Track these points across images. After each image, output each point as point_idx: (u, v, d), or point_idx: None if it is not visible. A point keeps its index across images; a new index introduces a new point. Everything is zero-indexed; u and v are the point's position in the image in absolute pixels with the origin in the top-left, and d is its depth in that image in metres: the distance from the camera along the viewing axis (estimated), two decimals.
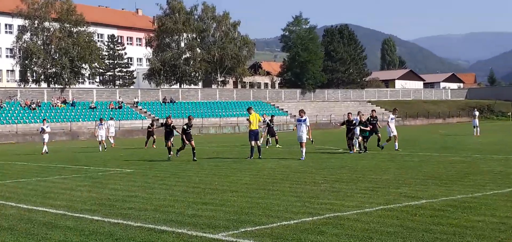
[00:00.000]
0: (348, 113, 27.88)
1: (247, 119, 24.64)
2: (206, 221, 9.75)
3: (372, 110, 28.68)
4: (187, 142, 24.07)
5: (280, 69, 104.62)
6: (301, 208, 10.83)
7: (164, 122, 27.20)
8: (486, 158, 21.36)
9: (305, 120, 22.88)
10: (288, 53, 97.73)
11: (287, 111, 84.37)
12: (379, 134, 27.28)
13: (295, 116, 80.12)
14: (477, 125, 44.32)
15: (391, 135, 27.24)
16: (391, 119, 27.70)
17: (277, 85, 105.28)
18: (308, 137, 23.26)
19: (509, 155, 22.58)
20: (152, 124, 40.15)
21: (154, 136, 38.78)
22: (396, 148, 26.78)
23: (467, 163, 19.80)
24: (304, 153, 22.62)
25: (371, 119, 27.40)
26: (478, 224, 8.94)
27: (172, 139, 26.14)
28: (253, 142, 24.00)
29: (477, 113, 47.14)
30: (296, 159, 22.61)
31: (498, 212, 9.92)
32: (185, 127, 24.53)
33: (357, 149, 26.45)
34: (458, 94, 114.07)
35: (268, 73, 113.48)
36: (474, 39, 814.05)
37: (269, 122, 32.82)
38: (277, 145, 30.36)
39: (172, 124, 26.74)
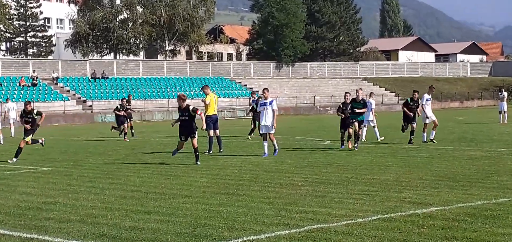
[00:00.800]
0: (345, 93, 27.38)
1: (203, 101, 24.69)
2: (149, 236, 9.74)
3: (414, 91, 28.65)
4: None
5: (248, 36, 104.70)
6: (274, 218, 10.92)
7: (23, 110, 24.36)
8: None
9: (271, 102, 22.80)
10: (259, 14, 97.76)
11: (257, 91, 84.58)
12: (415, 125, 27.20)
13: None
14: (505, 109, 45.04)
15: (427, 122, 27.55)
16: (427, 100, 27.87)
17: (244, 57, 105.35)
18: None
19: None
20: (122, 106, 36.35)
21: (129, 122, 35.80)
22: (432, 139, 27.16)
23: (491, 159, 20.16)
24: (276, 145, 22.60)
25: (412, 104, 27.50)
26: (504, 238, 9.16)
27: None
28: (211, 132, 24.10)
29: (505, 94, 47.81)
30: (270, 155, 22.73)
31: None
32: (119, 107, 25.73)
33: (363, 139, 27.74)
34: (480, 70, 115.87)
35: (232, 41, 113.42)
36: None
37: (254, 105, 32.22)
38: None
39: (34, 111, 23.61)
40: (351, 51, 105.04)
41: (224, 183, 15.66)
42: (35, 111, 23.48)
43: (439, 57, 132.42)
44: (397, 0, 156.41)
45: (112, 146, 29.51)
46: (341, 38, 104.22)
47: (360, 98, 25.43)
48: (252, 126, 31.80)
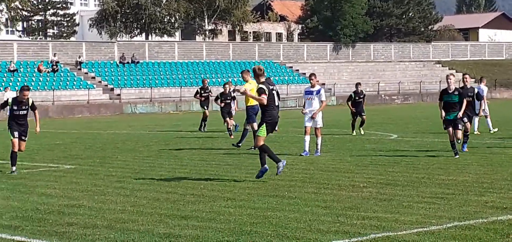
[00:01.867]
0: (357, 84, 31.88)
1: (237, 90, 25.01)
2: None
3: (357, 84, 32.00)
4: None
5: (301, 12, 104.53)
6: (332, 225, 10.91)
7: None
8: None
9: (318, 91, 22.47)
10: None
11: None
12: (364, 116, 30.41)
13: (324, 84, 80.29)
14: None
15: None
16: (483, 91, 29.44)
17: (296, 37, 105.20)
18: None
19: None
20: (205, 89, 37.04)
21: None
22: (491, 129, 29.34)
23: None
24: (319, 146, 22.23)
25: (357, 98, 30.70)
26: None
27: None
28: (254, 124, 23.97)
29: None
30: (328, 151, 22.66)
31: None
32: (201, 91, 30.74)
33: (476, 131, 28.34)
34: None
35: (282, 18, 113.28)
36: None
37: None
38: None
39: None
40: (423, 29, 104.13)
41: (272, 184, 15.67)
42: (31, 102, 19.58)
43: None
44: None
45: (144, 141, 29.80)
46: (410, 14, 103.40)
47: (453, 88, 20.63)
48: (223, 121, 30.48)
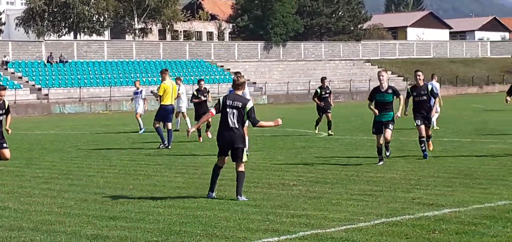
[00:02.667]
0: (322, 78, 30.22)
1: (155, 91, 25.30)
2: None
3: (322, 78, 30.24)
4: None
5: (231, 11, 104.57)
6: (261, 224, 10.98)
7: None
8: None
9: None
10: None
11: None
12: (330, 114, 29.06)
13: (255, 83, 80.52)
14: None
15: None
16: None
17: (227, 36, 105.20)
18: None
19: None
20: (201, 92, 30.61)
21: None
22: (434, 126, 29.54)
23: None
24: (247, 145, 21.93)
25: (323, 92, 29.24)
26: None
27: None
28: (169, 124, 24.75)
29: None
30: (259, 150, 22.74)
31: None
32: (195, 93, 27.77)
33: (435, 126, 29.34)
34: (503, 49, 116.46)
35: (213, 17, 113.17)
36: None
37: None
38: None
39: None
40: (352, 28, 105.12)
41: (203, 183, 15.65)
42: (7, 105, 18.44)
43: (455, 35, 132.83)
44: None
45: (72, 141, 29.45)
46: (340, 13, 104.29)
47: (386, 86, 18.63)
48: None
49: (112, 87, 72.90)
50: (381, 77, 18.69)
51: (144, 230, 10.70)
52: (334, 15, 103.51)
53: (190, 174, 17.55)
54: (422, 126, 19.56)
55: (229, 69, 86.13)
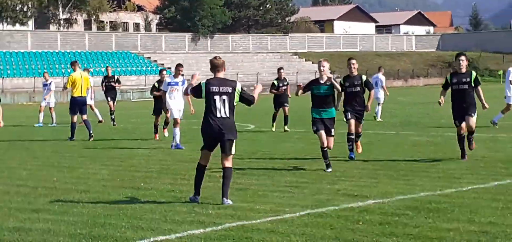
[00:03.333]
0: (279, 69, 28.53)
1: (65, 84, 25.28)
2: (37, 238, 9.64)
3: (279, 69, 28.77)
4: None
5: (158, 2, 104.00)
6: (187, 216, 10.97)
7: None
8: None
9: (183, 82, 22.32)
10: None
11: (170, 68, 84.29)
12: (287, 108, 27.60)
13: (183, 75, 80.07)
14: None
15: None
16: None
17: (154, 28, 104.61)
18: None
19: (498, 133, 23.82)
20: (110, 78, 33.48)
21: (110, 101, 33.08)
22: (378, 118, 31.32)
23: (437, 145, 20.73)
24: (177, 136, 21.63)
25: (280, 84, 27.75)
26: (449, 234, 9.47)
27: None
28: (75, 117, 24.50)
29: None
30: (187, 142, 22.70)
31: (477, 216, 10.53)
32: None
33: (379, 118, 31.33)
34: (427, 43, 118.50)
35: (140, 8, 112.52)
36: None
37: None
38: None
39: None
40: (280, 21, 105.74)
41: (128, 175, 15.60)
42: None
43: (380, 29, 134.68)
44: None
45: None
46: (268, 6, 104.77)
47: (325, 77, 16.16)
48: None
49: (36, 78, 71.72)
50: (322, 68, 16.00)
51: (67, 223, 10.58)
52: (261, 8, 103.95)
53: (115, 166, 17.43)
54: (352, 121, 17.38)
55: (156, 60, 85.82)
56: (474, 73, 17.05)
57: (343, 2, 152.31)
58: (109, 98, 31.77)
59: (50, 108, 33.58)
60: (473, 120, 16.81)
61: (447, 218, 10.49)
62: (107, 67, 34.13)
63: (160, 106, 23.49)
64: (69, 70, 72.33)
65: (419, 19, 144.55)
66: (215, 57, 12.21)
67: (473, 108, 16.87)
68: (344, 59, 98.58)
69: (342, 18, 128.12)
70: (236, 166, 16.72)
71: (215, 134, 12.01)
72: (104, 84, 32.74)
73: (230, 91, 11.94)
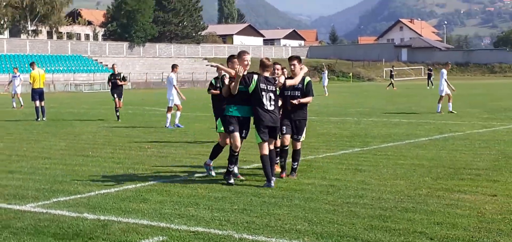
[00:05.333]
0: (113, 65, 24.83)
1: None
2: (12, 192, 9.55)
3: (113, 65, 25.09)
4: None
5: (104, 19, 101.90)
6: (122, 176, 11.00)
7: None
8: (323, 120, 22.93)
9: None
10: (113, 0, 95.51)
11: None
12: (121, 101, 24.34)
13: (121, 73, 78.93)
14: (325, 84, 48.16)
15: (442, 95, 26.05)
16: (444, 75, 26.02)
17: (100, 37, 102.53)
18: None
19: (346, 117, 24.57)
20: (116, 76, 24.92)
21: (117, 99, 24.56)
22: (451, 110, 25.93)
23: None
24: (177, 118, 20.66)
25: (113, 78, 24.42)
26: (307, 187, 9.72)
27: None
28: (37, 102, 24.27)
29: (326, 72, 51.02)
30: (122, 125, 22.50)
31: (328, 174, 10.84)
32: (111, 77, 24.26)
33: None
34: (299, 52, 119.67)
35: (89, 23, 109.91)
36: None
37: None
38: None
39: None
40: (194, 34, 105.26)
41: (80, 146, 15.45)
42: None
43: (266, 42, 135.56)
44: None
45: None
46: (185, 23, 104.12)
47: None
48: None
49: (10, 74, 69.35)
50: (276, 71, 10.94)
51: (35, 181, 10.47)
52: (180, 24, 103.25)
53: (70, 139, 17.19)
54: (288, 136, 10.80)
55: (101, 62, 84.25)
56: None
57: (240, 21, 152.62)
58: (115, 95, 24.33)
59: (17, 94, 33.23)
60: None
61: (307, 176, 10.69)
62: (113, 65, 25.32)
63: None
64: (56, 68, 70.76)
65: (293, 35, 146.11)
66: (266, 58, 10.35)
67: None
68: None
69: (239, 33, 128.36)
70: (159, 140, 16.84)
71: (272, 123, 9.95)
72: (110, 81, 25.04)
73: (275, 89, 10.05)
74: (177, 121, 20.96)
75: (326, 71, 51.83)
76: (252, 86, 9.88)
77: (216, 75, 12.86)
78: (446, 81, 25.91)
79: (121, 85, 24.32)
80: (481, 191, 9.30)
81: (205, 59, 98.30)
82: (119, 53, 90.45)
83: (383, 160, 12.52)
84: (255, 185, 9.90)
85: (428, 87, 59.01)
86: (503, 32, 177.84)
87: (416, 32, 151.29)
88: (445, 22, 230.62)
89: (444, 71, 25.97)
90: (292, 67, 10.85)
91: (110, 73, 24.62)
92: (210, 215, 7.96)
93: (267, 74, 10.15)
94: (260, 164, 10.30)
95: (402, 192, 9.32)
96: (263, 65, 10.18)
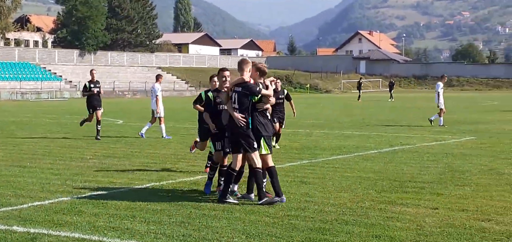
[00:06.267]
0: (91, 70, 21.81)
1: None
2: None
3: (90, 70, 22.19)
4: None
5: (54, 25, 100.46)
6: (60, 187, 10.87)
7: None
8: None
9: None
10: (63, 6, 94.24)
11: (61, 76, 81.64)
12: (101, 112, 20.78)
13: (71, 81, 78.04)
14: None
15: (442, 108, 25.51)
16: (440, 88, 25.62)
17: (50, 44, 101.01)
18: None
19: (299, 129, 24.76)
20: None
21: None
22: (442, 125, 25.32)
23: None
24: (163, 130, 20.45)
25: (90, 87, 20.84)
26: (249, 200, 9.85)
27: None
28: None
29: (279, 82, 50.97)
30: (65, 135, 22.20)
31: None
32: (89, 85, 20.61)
33: None
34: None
35: (38, 29, 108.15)
36: (276, 2, 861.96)
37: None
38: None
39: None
40: (148, 43, 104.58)
41: (19, 157, 15.17)
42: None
43: (223, 51, 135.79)
44: (189, 0, 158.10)
45: None
46: (138, 31, 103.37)
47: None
48: None
49: None
50: (214, 82, 11.81)
51: None
52: (134, 32, 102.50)
53: (9, 149, 16.86)
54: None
55: (50, 70, 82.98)
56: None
57: (196, 30, 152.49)
58: (96, 107, 20.66)
59: None
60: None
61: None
62: (91, 70, 21.89)
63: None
64: (3, 76, 69.20)
65: (251, 45, 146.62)
66: (263, 64, 10.37)
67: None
68: (196, 73, 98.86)
69: (195, 42, 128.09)
70: (103, 151, 16.66)
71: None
72: (87, 90, 21.06)
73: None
74: (143, 131, 20.56)
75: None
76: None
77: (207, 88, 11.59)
78: (438, 93, 25.51)
79: (99, 95, 20.90)
80: (423, 204, 9.48)
81: (159, 68, 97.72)
82: (69, 60, 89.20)
83: (330, 172, 12.65)
84: (197, 197, 9.90)
85: (389, 100, 59.63)
86: (462, 46, 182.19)
87: (375, 44, 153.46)
88: (404, 35, 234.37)
89: (440, 83, 25.72)
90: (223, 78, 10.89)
91: (88, 81, 21.12)
92: (146, 228, 7.93)
93: (260, 79, 10.14)
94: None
95: (344, 204, 9.45)
96: (261, 72, 10.28)
